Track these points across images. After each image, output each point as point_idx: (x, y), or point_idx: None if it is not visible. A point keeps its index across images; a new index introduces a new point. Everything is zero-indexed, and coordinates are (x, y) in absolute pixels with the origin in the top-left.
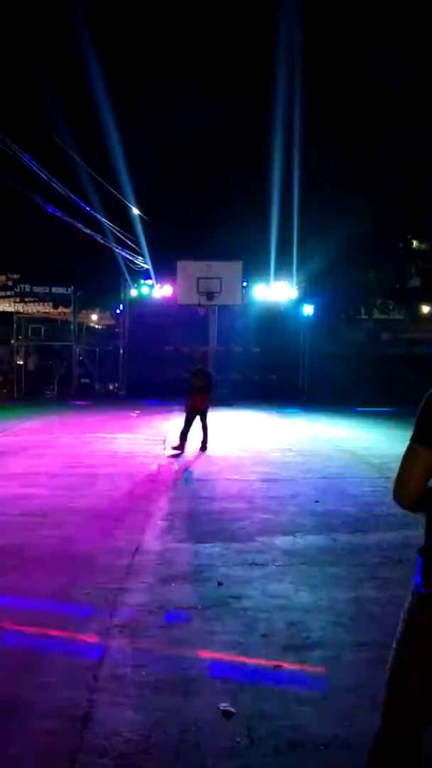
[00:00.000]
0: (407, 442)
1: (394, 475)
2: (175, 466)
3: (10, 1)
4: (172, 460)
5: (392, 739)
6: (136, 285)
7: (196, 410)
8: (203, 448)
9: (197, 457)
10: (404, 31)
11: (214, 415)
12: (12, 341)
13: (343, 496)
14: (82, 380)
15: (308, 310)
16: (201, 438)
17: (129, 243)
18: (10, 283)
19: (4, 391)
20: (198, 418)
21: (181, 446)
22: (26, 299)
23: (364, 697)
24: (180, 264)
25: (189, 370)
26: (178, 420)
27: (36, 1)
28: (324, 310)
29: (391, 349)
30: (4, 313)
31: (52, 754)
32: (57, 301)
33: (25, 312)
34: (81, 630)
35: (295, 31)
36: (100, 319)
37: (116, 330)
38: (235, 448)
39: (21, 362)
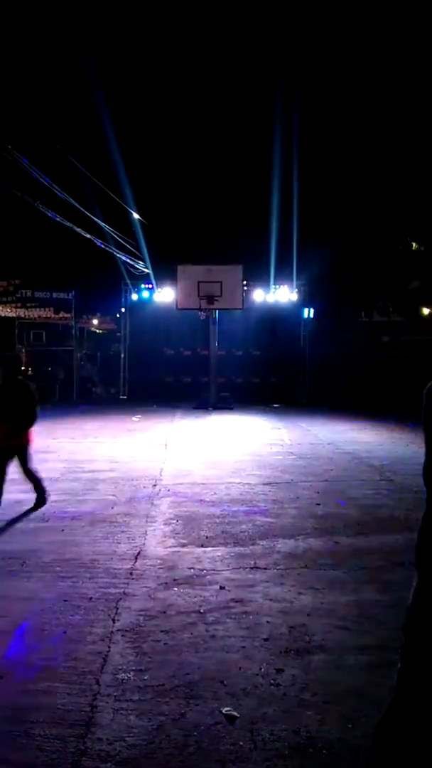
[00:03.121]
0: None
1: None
2: (176, 471)
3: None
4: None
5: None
6: (136, 289)
7: (2, 450)
8: (37, 502)
9: (199, 464)
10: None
11: (215, 419)
12: (15, 346)
13: (345, 498)
14: (84, 385)
15: (308, 313)
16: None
17: (129, 247)
18: (11, 288)
19: None
20: (17, 461)
21: None
22: (27, 304)
23: (367, 700)
24: (180, 268)
25: None
26: (179, 424)
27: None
28: (324, 312)
29: (392, 351)
30: (5, 318)
31: (56, 759)
32: (58, 305)
33: (27, 317)
34: (83, 635)
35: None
36: (100, 323)
37: (117, 334)
38: (235, 452)
39: (23, 368)
